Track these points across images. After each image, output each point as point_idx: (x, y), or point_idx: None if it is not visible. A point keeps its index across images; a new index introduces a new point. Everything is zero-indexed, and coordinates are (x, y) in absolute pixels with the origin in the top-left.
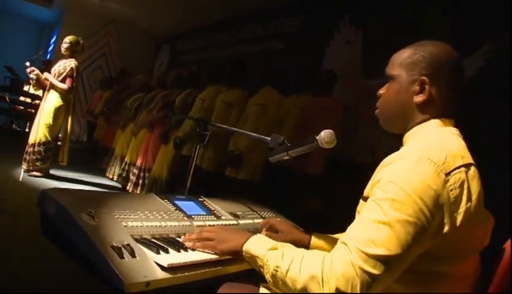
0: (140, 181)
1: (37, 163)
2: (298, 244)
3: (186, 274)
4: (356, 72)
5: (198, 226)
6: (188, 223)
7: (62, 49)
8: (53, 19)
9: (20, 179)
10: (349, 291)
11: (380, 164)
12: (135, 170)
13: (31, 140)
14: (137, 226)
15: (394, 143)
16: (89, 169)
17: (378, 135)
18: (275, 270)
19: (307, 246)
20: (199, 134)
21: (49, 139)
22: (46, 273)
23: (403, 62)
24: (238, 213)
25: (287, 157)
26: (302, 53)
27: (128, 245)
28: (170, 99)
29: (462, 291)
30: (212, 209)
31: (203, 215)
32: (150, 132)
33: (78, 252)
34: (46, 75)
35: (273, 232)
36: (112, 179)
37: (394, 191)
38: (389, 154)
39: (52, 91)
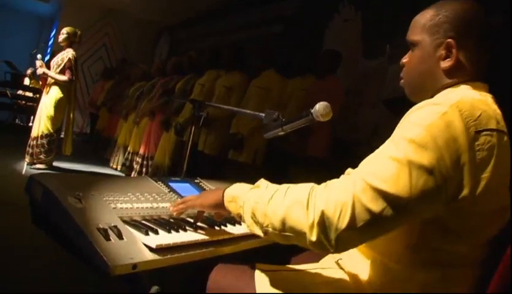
0: (144, 169)
1: (41, 156)
2: None
3: (176, 255)
4: (356, 53)
5: None
6: None
7: (60, 39)
8: (52, 13)
9: (23, 173)
10: (334, 220)
11: (408, 112)
12: (138, 159)
13: (34, 133)
14: (127, 208)
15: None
16: (93, 160)
17: (380, 115)
18: (256, 202)
19: None
20: (194, 116)
21: (52, 131)
22: (49, 264)
23: (425, 25)
24: None
25: (282, 133)
26: (301, 36)
27: (116, 227)
28: (170, 86)
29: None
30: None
31: None
32: (152, 120)
33: (66, 237)
34: (44, 71)
35: None
36: (116, 169)
37: (415, 132)
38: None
39: (54, 85)
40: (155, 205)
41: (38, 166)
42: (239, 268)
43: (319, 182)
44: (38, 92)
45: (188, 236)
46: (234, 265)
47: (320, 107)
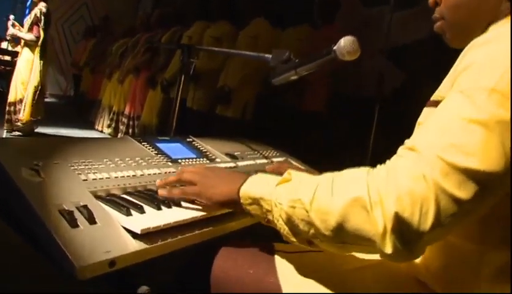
0: (130, 130)
1: (18, 123)
2: None
3: (169, 240)
4: (354, 0)
5: None
6: (173, 169)
7: None
8: None
9: None
10: (414, 222)
11: (467, 47)
12: (123, 119)
13: (11, 99)
14: (101, 178)
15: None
16: (78, 124)
17: (382, 66)
18: (291, 207)
19: None
20: (183, 63)
21: None
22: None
23: None
24: (236, 153)
25: (295, 77)
26: None
27: (85, 206)
28: (155, 40)
29: None
30: (204, 150)
31: (193, 158)
32: (137, 78)
33: (23, 226)
34: (12, 31)
35: None
36: (102, 132)
37: (494, 77)
38: (398, 85)
39: (25, 45)
40: (139, 172)
41: (17, 133)
42: (250, 251)
43: (318, 138)
44: (16, 55)
45: (183, 212)
46: (243, 248)
47: (345, 43)
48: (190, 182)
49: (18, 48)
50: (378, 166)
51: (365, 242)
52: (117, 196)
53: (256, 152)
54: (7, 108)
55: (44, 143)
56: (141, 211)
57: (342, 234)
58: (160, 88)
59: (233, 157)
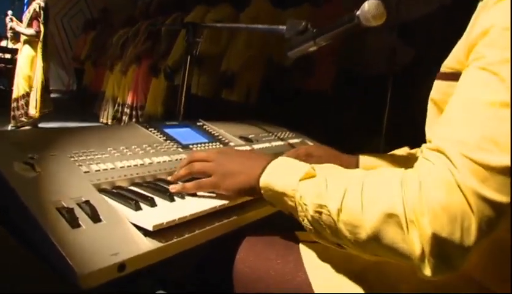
0: (133, 120)
1: (22, 118)
2: None
3: (187, 236)
4: None
5: None
6: (184, 155)
7: None
8: None
9: None
10: (456, 241)
11: (480, 5)
12: (127, 110)
13: (14, 95)
14: (106, 169)
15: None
16: (82, 117)
17: (391, 42)
18: (317, 212)
19: None
20: (189, 43)
21: (28, 91)
22: None
23: None
24: (250, 136)
25: (314, 48)
26: None
27: (88, 202)
28: (155, 28)
29: None
30: (216, 134)
31: (205, 143)
32: (139, 67)
33: (16, 226)
34: (11, 25)
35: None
36: (106, 124)
37: None
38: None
39: (25, 41)
40: (147, 161)
41: (22, 129)
42: (273, 243)
43: (324, 120)
44: (16, 53)
45: (199, 203)
46: (265, 238)
47: (370, 7)
48: (203, 173)
49: (18, 45)
50: (410, 171)
51: (401, 259)
52: (124, 188)
53: (271, 134)
54: (12, 104)
55: (40, 134)
56: (151, 203)
57: (374, 248)
58: (164, 75)
59: (248, 140)
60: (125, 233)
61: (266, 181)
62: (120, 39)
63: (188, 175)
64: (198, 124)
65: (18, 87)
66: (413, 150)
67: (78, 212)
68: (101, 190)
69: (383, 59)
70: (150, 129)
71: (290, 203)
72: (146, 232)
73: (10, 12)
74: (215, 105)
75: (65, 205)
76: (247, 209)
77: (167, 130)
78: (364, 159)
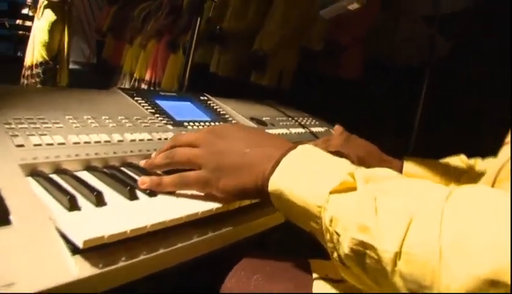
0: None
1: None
2: None
3: (142, 258)
4: None
5: None
6: (172, 134)
7: None
8: None
9: None
10: None
11: None
12: (144, 86)
13: (27, 62)
14: (50, 144)
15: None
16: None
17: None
18: (359, 248)
19: None
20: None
21: (47, 58)
22: None
23: None
24: (264, 119)
25: (357, 6)
26: None
27: None
28: (178, 2)
29: None
30: (221, 111)
31: (204, 121)
32: (159, 42)
33: None
34: None
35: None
36: None
37: None
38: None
39: (46, 7)
40: (116, 137)
41: None
42: (276, 272)
43: (353, 108)
44: None
45: (175, 205)
46: (264, 262)
47: None
48: (188, 164)
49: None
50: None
51: None
52: (68, 173)
53: (290, 119)
54: (24, 71)
55: None
56: (98, 201)
57: None
58: (182, 52)
59: (261, 123)
60: (41, 248)
61: (277, 184)
62: (142, 12)
63: (166, 166)
64: (202, 98)
65: (34, 54)
66: (471, 161)
67: None
68: (34, 174)
69: (415, 50)
70: (136, 98)
71: (313, 224)
72: (75, 248)
73: None
74: (237, 87)
75: None
76: (246, 218)
77: (159, 102)
78: (408, 166)
